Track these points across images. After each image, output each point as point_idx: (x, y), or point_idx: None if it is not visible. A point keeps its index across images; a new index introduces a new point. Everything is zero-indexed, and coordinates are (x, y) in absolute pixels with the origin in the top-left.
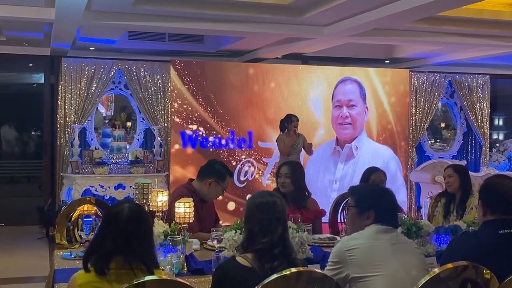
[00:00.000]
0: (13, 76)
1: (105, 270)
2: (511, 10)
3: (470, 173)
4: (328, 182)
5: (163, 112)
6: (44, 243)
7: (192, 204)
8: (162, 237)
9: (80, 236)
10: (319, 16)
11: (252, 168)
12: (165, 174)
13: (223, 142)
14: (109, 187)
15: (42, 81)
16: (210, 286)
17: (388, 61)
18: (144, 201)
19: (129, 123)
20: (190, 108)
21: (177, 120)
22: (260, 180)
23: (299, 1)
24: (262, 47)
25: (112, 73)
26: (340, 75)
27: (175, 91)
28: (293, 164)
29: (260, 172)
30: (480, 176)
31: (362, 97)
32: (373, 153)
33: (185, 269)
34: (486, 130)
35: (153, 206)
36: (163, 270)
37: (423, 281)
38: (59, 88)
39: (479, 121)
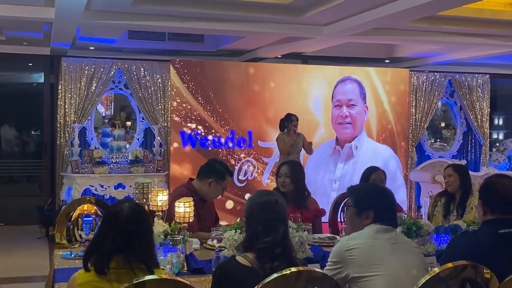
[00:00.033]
0: (12, 76)
1: (105, 269)
2: (511, 9)
3: (470, 172)
4: (328, 181)
5: (163, 112)
6: (44, 243)
7: (192, 203)
8: (162, 236)
9: (80, 235)
10: (319, 15)
11: (252, 168)
12: (165, 174)
13: (223, 141)
14: (109, 186)
15: (42, 80)
16: (210, 285)
17: (388, 61)
18: (144, 200)
19: (128, 123)
20: (189, 108)
21: (177, 119)
22: (259, 179)
23: (299, 0)
24: (262, 46)
25: (112, 72)
26: (340, 75)
27: (175, 91)
28: (293, 164)
29: (259, 170)
30: (480, 176)
31: (362, 96)
32: (373, 152)
33: (185, 268)
34: (486, 130)
35: (153, 205)
36: (163, 269)
37: (423, 280)
38: (59, 88)
39: (479, 120)
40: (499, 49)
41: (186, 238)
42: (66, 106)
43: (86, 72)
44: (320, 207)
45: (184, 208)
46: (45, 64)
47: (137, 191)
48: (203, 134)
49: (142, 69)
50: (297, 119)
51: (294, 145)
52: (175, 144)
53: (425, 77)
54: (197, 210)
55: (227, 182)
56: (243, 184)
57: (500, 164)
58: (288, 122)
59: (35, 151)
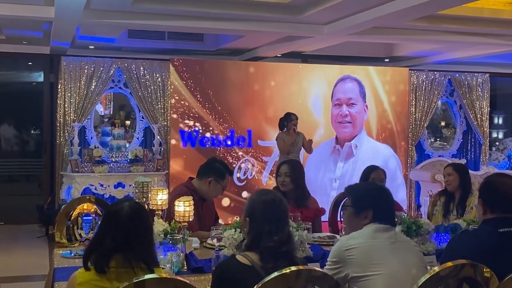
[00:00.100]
0: (12, 75)
1: (105, 268)
2: (510, 8)
3: (470, 171)
4: (327, 180)
5: (162, 111)
6: (44, 242)
7: (192, 202)
8: (162, 235)
9: (80, 234)
10: (318, 14)
11: (251, 167)
12: (164, 173)
13: (223, 140)
14: (108, 185)
15: (42, 79)
16: (210, 284)
17: (387, 60)
18: (144, 199)
19: (128, 122)
20: (189, 107)
21: (177, 118)
22: (257, 178)
23: None
24: (261, 45)
25: (112, 71)
26: (340, 74)
27: (174, 89)
28: (292, 163)
29: (258, 169)
30: (479, 175)
31: (362, 95)
32: (372, 151)
33: (185, 267)
34: (485, 129)
35: (153, 204)
36: (163, 268)
37: (423, 279)
38: (59, 87)
39: (479, 119)
40: (499, 48)
41: (186, 237)
42: (66, 105)
43: (85, 71)
44: (320, 206)
45: (184, 207)
46: (44, 63)
47: (137, 190)
48: (202, 133)
49: (141, 68)
50: (297, 118)
51: (293, 144)
52: (175, 143)
53: (424, 76)
54: (197, 209)
55: (227, 181)
56: (243, 183)
57: (500, 163)
58: (288, 121)
59: (35, 150)
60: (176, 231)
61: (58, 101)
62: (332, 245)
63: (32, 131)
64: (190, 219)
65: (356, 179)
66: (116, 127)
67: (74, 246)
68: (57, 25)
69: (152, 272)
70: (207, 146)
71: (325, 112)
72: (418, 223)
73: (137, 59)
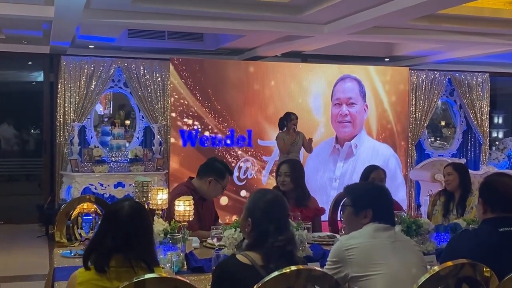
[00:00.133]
0: (12, 74)
1: (105, 268)
2: (510, 8)
3: (470, 171)
4: (327, 180)
5: (162, 110)
6: (44, 241)
7: (192, 202)
8: (162, 235)
9: (80, 234)
10: (318, 14)
11: (251, 166)
12: (164, 172)
13: (223, 140)
14: (108, 185)
15: (42, 79)
16: (210, 284)
17: (387, 59)
18: (144, 199)
19: (127, 121)
20: (189, 106)
21: (177, 118)
22: (257, 177)
23: None
24: (261, 45)
25: (112, 71)
26: (340, 73)
27: (174, 89)
28: (292, 163)
29: (257, 168)
30: (479, 174)
31: (362, 95)
32: (372, 151)
33: (185, 267)
34: (485, 128)
35: (153, 204)
36: (163, 268)
37: (423, 279)
38: (59, 86)
39: (479, 119)
40: (499, 48)
41: (186, 236)
42: (66, 104)
43: (85, 70)
44: (320, 206)
45: (184, 207)
46: (44, 63)
47: (136, 190)
48: (202, 132)
49: (141, 68)
50: (297, 118)
51: (293, 144)
52: (174, 142)
53: (424, 76)
54: (197, 209)
55: (227, 181)
56: (243, 183)
57: (500, 162)
58: (288, 120)
59: (35, 149)
60: (176, 231)
61: (58, 101)
62: (332, 244)
63: (32, 131)
64: (190, 219)
65: (356, 179)
66: (116, 127)
67: (74, 246)
68: (57, 24)
69: (152, 271)
70: (207, 145)
71: (325, 111)
72: (418, 223)
73: (137, 59)
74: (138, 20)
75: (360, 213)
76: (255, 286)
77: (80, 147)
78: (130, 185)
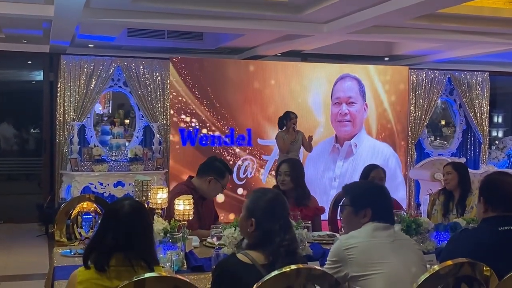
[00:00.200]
0: (12, 74)
1: (105, 267)
2: (510, 7)
3: (470, 170)
4: (327, 179)
5: (162, 110)
6: (44, 241)
7: (191, 201)
8: (162, 234)
9: (79, 233)
10: (318, 13)
11: (251, 165)
12: (164, 172)
13: (222, 139)
14: (108, 184)
15: (41, 78)
16: (210, 283)
17: (387, 58)
18: (144, 198)
19: (127, 121)
20: (189, 105)
21: (176, 117)
22: (257, 176)
23: None
24: (261, 44)
25: (111, 70)
26: (340, 73)
27: (173, 88)
28: (292, 162)
29: (257, 168)
30: (479, 174)
31: (362, 94)
32: (372, 150)
33: (185, 266)
34: (485, 128)
35: (152, 203)
36: (163, 267)
37: (423, 278)
38: (58, 86)
39: (479, 118)
40: (499, 47)
41: (185, 235)
42: (66, 104)
43: (85, 69)
44: (320, 205)
45: (184, 206)
46: (44, 62)
47: (136, 189)
48: (202, 132)
49: (141, 67)
50: (296, 117)
51: (293, 143)
52: (174, 141)
53: (424, 75)
54: (197, 208)
55: (227, 180)
56: (243, 182)
57: (500, 162)
58: (287, 120)
59: (35, 149)
60: (176, 230)
61: (58, 100)
62: (332, 243)
63: (31, 130)
64: (190, 218)
65: (355, 178)
66: (115, 126)
67: (74, 245)
68: (56, 23)
69: (152, 270)
70: (207, 144)
71: (325, 110)
72: (417, 222)
73: (137, 58)
74: (138, 19)
75: (359, 212)
76: (255, 285)
77: (79, 146)
78: (130, 184)
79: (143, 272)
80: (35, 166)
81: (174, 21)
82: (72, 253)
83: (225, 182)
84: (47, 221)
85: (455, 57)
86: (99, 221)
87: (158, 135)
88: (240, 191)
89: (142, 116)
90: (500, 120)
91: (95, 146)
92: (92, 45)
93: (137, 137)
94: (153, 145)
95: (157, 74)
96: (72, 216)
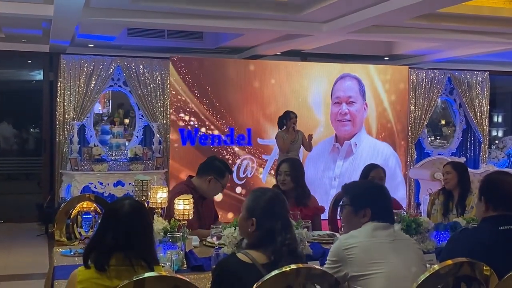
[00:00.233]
0: (12, 73)
1: (105, 266)
2: (510, 6)
3: (470, 170)
4: (327, 179)
5: (162, 109)
6: (43, 240)
7: (191, 201)
8: (162, 233)
9: (79, 233)
10: (318, 12)
11: (251, 165)
12: (164, 171)
13: (222, 138)
14: (108, 184)
15: (41, 78)
16: (210, 282)
17: (387, 58)
18: (144, 198)
19: (126, 120)
20: (188, 105)
21: (176, 117)
22: (257, 176)
23: None
24: (261, 44)
25: (111, 70)
26: (340, 72)
27: (173, 87)
28: (292, 161)
29: (257, 167)
30: (479, 173)
31: (362, 93)
32: (372, 149)
33: (185, 265)
34: (485, 127)
35: (152, 203)
36: (163, 266)
37: (423, 277)
38: (58, 85)
39: (479, 118)
40: (499, 47)
41: (185, 235)
42: (65, 103)
43: (85, 69)
44: (320, 205)
45: (184, 205)
46: (44, 62)
47: (136, 189)
48: (202, 131)
49: (141, 67)
50: (296, 117)
51: (293, 143)
52: (174, 141)
53: (424, 74)
54: (197, 208)
55: (227, 180)
56: (243, 182)
57: (500, 161)
58: (287, 119)
59: (34, 148)
60: (176, 229)
61: (58, 99)
62: (332, 243)
63: (31, 130)
64: (190, 217)
65: (355, 178)
66: (115, 126)
67: (74, 244)
68: (56, 23)
69: (152, 270)
70: (207, 144)
71: (325, 110)
72: (417, 221)
73: (137, 57)
74: (138, 18)
75: (359, 212)
76: (255, 284)
77: (79, 145)
78: (129, 183)
79: (143, 271)
80: (35, 166)
81: (174, 20)
82: (72, 253)
83: (225, 182)
84: (47, 221)
85: (455, 57)
86: (99, 221)
87: (158, 135)
88: (238, 190)
89: (142, 116)
90: (500, 119)
91: (95, 145)
92: (92, 45)
93: (137, 136)
94: (153, 144)
95: (157, 73)
96: (72, 216)
